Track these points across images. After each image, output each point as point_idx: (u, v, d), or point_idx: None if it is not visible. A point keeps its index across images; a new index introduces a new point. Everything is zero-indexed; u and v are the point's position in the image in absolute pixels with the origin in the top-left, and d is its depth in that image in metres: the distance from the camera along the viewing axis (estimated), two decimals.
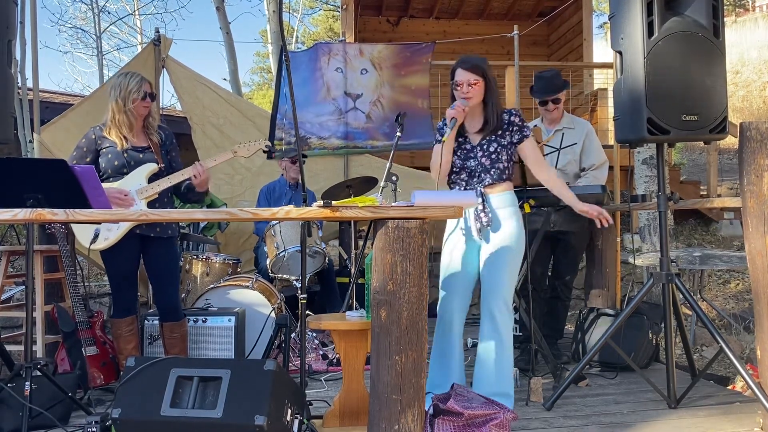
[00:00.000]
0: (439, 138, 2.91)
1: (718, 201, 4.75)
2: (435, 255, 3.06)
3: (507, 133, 2.92)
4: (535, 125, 4.09)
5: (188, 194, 3.39)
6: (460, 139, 2.94)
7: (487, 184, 2.89)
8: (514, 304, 2.98)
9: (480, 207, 2.86)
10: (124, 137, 3.23)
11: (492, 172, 2.89)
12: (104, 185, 2.95)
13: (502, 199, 2.90)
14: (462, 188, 2.93)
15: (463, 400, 2.60)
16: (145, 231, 3.24)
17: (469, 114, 2.92)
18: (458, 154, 2.94)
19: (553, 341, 3.98)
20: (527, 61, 7.44)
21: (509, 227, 2.88)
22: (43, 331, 3.63)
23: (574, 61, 8.54)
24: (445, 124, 2.89)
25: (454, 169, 2.96)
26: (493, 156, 2.89)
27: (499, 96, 3.00)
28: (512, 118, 2.92)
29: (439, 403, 2.57)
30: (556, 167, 3.69)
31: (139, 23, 17.50)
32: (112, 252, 3.21)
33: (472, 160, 2.92)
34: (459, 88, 2.87)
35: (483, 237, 2.90)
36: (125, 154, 3.23)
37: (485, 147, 2.90)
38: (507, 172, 2.93)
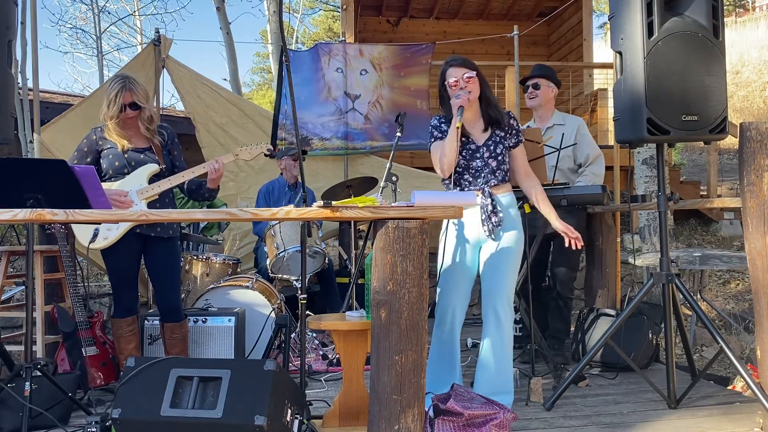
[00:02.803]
0: (438, 135, 2.92)
1: (718, 201, 4.74)
2: (432, 255, 3.06)
3: (508, 135, 2.96)
4: (528, 125, 4.09)
5: (199, 191, 3.39)
6: (463, 139, 2.93)
7: (493, 185, 2.91)
8: (515, 305, 2.99)
9: (490, 208, 2.87)
10: (124, 140, 3.22)
11: (497, 174, 2.92)
12: (103, 186, 2.94)
13: (509, 199, 2.95)
14: (467, 189, 2.93)
15: (463, 400, 2.60)
16: (145, 231, 3.24)
17: (467, 113, 2.92)
18: (462, 154, 2.91)
19: (559, 342, 3.96)
20: (527, 61, 7.43)
21: (515, 228, 2.93)
22: (43, 331, 3.62)
23: (574, 61, 8.54)
24: (441, 122, 2.94)
25: (458, 169, 2.94)
26: (500, 158, 2.92)
27: (493, 92, 3.01)
28: (512, 121, 2.96)
29: (439, 403, 2.57)
30: (556, 165, 3.69)
31: (139, 23, 17.51)
32: (112, 251, 3.21)
33: (477, 160, 2.91)
34: (455, 84, 2.88)
35: (495, 237, 2.90)
36: (126, 155, 3.23)
37: (492, 148, 2.91)
38: (508, 174, 2.98)
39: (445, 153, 2.85)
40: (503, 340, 2.87)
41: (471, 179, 2.92)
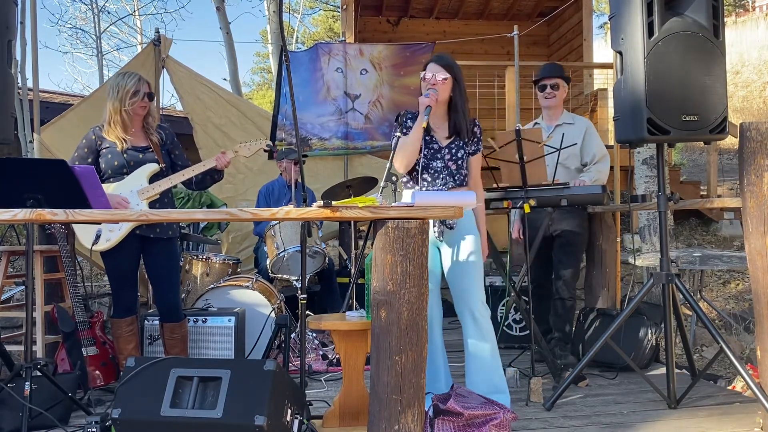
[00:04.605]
0: (405, 132, 2.89)
1: (718, 201, 4.74)
2: None
3: (470, 142, 2.99)
4: (536, 123, 4.09)
5: (206, 177, 3.39)
6: (426, 138, 2.94)
7: (450, 187, 2.93)
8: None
9: None
10: (123, 139, 3.22)
11: (456, 177, 2.95)
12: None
13: None
14: (425, 188, 2.94)
15: (463, 400, 2.60)
16: (144, 231, 3.24)
17: (435, 114, 2.93)
18: (424, 153, 2.93)
19: (563, 343, 3.95)
20: (527, 61, 7.44)
21: (470, 230, 2.95)
22: (43, 331, 3.62)
23: (574, 61, 8.54)
24: (408, 118, 2.94)
25: (416, 168, 2.95)
26: (459, 162, 2.95)
27: (468, 103, 3.01)
28: (475, 129, 3.00)
29: (439, 404, 2.57)
30: (557, 165, 3.68)
31: (139, 23, 17.51)
32: (111, 252, 3.21)
33: (438, 161, 2.94)
34: (427, 79, 2.89)
35: (444, 240, 2.94)
36: (125, 155, 3.23)
37: (453, 151, 2.95)
38: (466, 179, 3.01)
39: (406, 148, 2.84)
40: (486, 342, 2.87)
41: (429, 179, 2.94)
